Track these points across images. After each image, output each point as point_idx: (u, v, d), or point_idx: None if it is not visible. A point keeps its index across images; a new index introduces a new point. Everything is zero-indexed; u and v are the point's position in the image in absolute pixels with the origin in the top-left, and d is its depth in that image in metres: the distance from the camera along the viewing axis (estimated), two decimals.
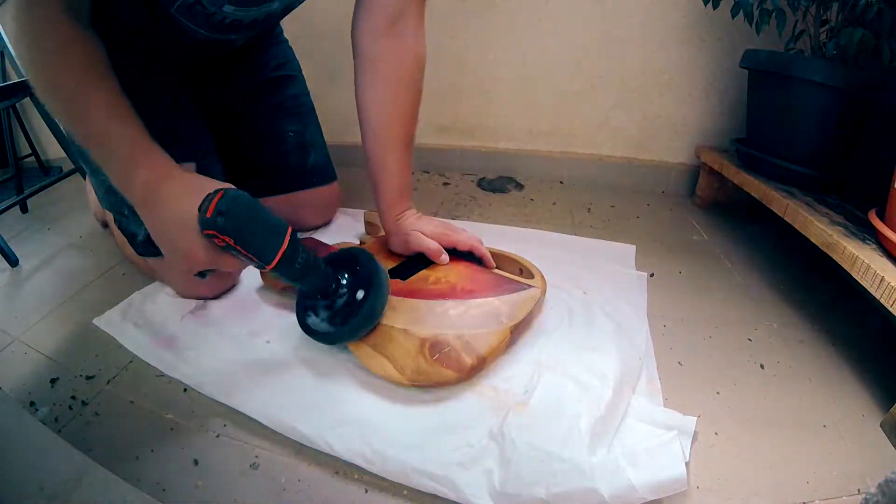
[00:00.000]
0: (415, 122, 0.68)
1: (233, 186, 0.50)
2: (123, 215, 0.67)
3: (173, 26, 0.59)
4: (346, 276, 0.57)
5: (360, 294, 0.55)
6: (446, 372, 0.52)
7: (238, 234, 0.47)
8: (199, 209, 0.47)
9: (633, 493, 0.41)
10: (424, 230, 0.68)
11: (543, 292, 0.65)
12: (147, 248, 0.67)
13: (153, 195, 0.50)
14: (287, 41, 0.88)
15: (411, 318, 0.58)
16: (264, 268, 0.49)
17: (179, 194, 0.49)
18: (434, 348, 0.53)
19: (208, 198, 0.47)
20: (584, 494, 0.41)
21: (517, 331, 0.59)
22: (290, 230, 0.50)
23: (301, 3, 0.70)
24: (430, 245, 0.67)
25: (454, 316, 0.58)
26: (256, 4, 0.59)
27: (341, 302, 0.56)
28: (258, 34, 0.79)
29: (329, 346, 0.60)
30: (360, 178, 1.09)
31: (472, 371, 0.53)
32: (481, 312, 0.59)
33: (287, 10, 0.70)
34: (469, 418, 0.50)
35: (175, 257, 0.50)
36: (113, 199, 0.67)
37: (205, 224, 0.47)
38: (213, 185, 0.50)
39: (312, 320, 0.57)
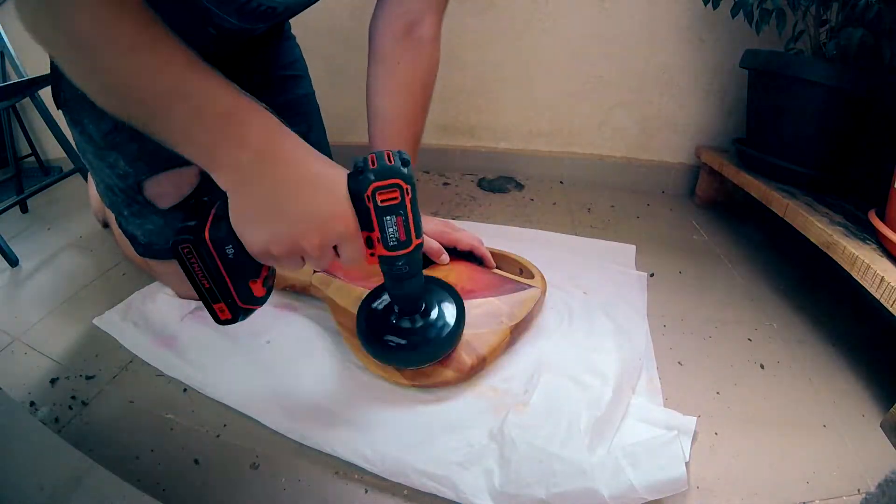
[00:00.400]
0: (423, 125, 0.68)
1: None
2: (123, 216, 0.67)
3: (200, 15, 0.56)
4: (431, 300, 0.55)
5: (441, 321, 0.53)
6: (446, 372, 0.52)
7: (413, 199, 0.41)
8: (363, 166, 0.40)
9: (633, 493, 0.41)
10: (425, 230, 0.68)
11: (543, 292, 0.65)
12: (149, 249, 0.67)
13: (275, 151, 0.40)
14: (294, 38, 0.88)
15: None
16: (402, 249, 0.43)
17: (308, 152, 0.41)
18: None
19: (369, 158, 0.41)
20: (584, 494, 0.41)
21: (517, 330, 0.59)
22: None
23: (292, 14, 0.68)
24: (431, 244, 0.67)
25: None
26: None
27: (419, 323, 0.53)
28: (273, 28, 0.77)
29: (329, 347, 0.60)
30: None
31: (471, 371, 0.53)
32: (481, 312, 0.59)
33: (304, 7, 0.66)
34: (469, 418, 0.50)
35: (304, 228, 0.40)
36: (113, 197, 0.66)
37: (396, 173, 0.40)
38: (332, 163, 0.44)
39: (390, 336, 0.53)
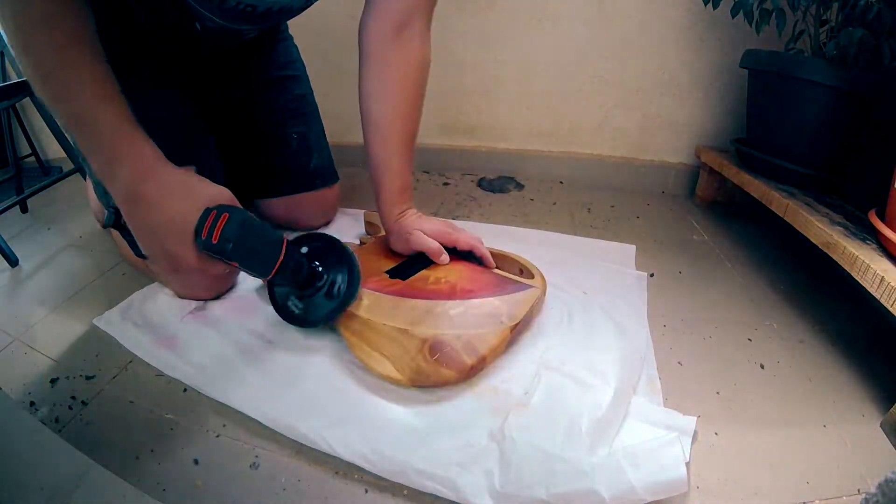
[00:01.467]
0: (417, 122, 0.69)
1: (225, 193, 0.51)
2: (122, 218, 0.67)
3: (184, 13, 0.58)
4: (323, 264, 0.59)
5: (338, 279, 0.59)
6: (446, 372, 0.52)
7: (242, 258, 0.49)
8: (198, 230, 0.48)
9: (633, 494, 0.41)
10: (425, 229, 0.68)
11: (543, 292, 0.65)
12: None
13: (137, 192, 0.48)
14: (292, 38, 0.88)
15: (411, 318, 0.57)
16: (262, 278, 0.51)
17: (168, 195, 0.48)
18: (434, 349, 0.53)
19: (206, 217, 0.48)
20: (585, 495, 0.41)
21: (517, 330, 0.59)
22: (285, 243, 0.52)
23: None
24: (431, 244, 0.67)
25: (454, 316, 0.58)
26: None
27: (321, 289, 0.59)
28: (268, 29, 0.77)
29: (329, 347, 0.60)
30: (361, 179, 1.09)
31: (472, 371, 0.53)
32: (481, 312, 0.59)
33: (305, 7, 0.68)
34: (469, 418, 0.50)
35: (161, 258, 0.50)
36: (110, 200, 0.67)
37: (209, 248, 0.48)
38: (204, 188, 0.51)
39: (292, 304, 0.60)
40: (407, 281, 0.65)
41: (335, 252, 0.60)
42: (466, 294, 0.62)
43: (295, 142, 0.84)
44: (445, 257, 0.68)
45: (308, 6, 0.69)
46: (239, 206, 0.52)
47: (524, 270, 0.69)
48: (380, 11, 0.63)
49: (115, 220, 0.55)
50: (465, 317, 0.58)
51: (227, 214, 0.48)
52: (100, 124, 0.46)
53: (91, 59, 0.46)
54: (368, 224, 0.87)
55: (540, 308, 0.65)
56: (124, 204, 0.49)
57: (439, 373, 0.52)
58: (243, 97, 0.81)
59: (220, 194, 0.51)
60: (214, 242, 0.47)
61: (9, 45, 0.48)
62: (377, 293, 0.61)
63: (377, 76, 0.65)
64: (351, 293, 0.58)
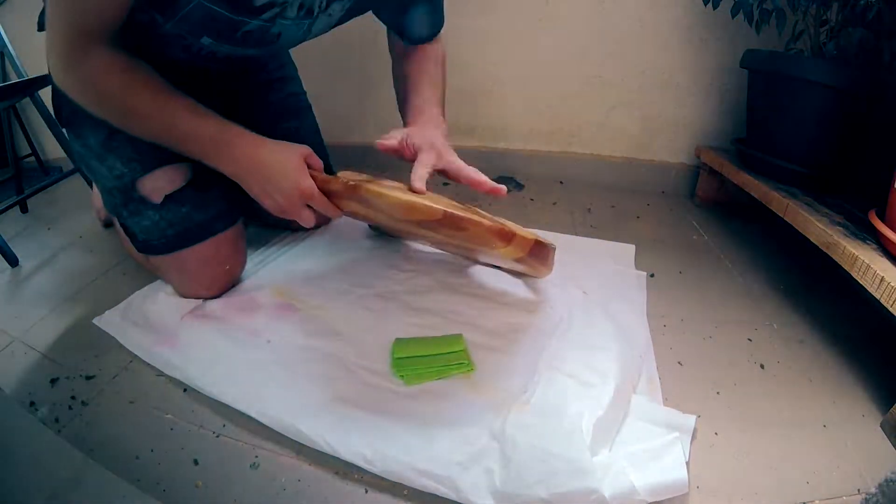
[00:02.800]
0: (443, 81, 0.79)
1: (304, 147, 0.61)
2: (123, 216, 0.67)
3: (176, 41, 0.61)
4: None
5: None
6: (477, 217, 0.54)
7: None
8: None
9: (634, 494, 0.41)
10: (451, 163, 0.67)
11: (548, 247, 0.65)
12: (146, 245, 0.67)
13: (254, 162, 0.58)
14: None
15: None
16: None
17: (277, 153, 0.59)
18: (462, 205, 0.59)
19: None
20: (586, 495, 0.41)
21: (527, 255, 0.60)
22: None
23: (291, 47, 0.74)
24: (478, 175, 0.64)
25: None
26: (231, 44, 0.61)
27: None
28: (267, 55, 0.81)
29: (329, 347, 0.60)
30: None
31: (497, 225, 0.55)
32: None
33: (271, 56, 0.78)
34: (470, 418, 0.50)
35: (289, 195, 0.58)
36: (113, 200, 0.67)
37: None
38: (287, 145, 0.60)
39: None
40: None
41: None
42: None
43: (287, 137, 0.84)
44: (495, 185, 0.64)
45: (269, 53, 0.73)
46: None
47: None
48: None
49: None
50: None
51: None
52: (203, 131, 0.57)
53: (168, 89, 0.56)
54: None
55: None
56: (245, 176, 0.59)
57: (472, 212, 0.54)
58: (238, 94, 0.81)
59: (303, 149, 0.61)
60: None
61: (100, 114, 0.57)
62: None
63: (407, 59, 0.75)
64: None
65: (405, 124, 0.71)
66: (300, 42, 0.67)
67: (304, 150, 0.60)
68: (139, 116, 0.56)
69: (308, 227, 0.63)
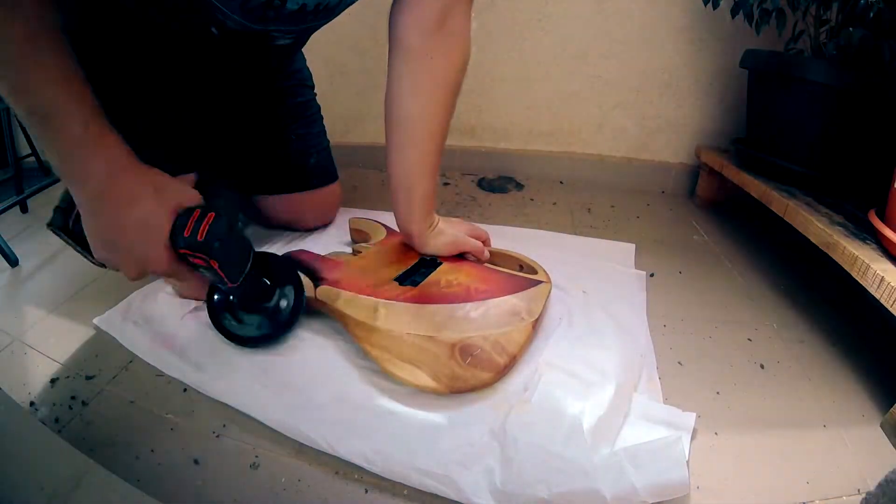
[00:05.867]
0: (448, 125, 0.64)
1: (196, 196, 0.50)
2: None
3: (203, 11, 0.54)
4: (274, 283, 0.60)
5: (283, 302, 0.60)
6: (482, 374, 0.52)
7: (225, 258, 0.48)
8: (178, 228, 0.46)
9: (635, 495, 0.41)
10: (462, 230, 0.70)
11: (550, 285, 0.65)
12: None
13: (107, 191, 0.44)
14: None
15: (434, 323, 0.57)
16: (225, 286, 0.51)
17: (141, 194, 0.46)
18: (464, 352, 0.53)
19: (190, 214, 0.47)
20: (586, 495, 0.41)
21: (537, 325, 0.60)
22: (251, 251, 0.53)
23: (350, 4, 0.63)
24: (476, 244, 0.69)
25: (477, 318, 0.58)
26: (259, 22, 0.55)
27: (266, 310, 0.60)
28: (296, 43, 0.74)
29: (329, 346, 0.60)
30: (361, 178, 1.09)
31: (504, 370, 0.53)
32: (501, 311, 0.59)
33: (345, 6, 0.62)
34: (470, 417, 0.50)
35: (127, 260, 0.47)
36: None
37: (192, 246, 0.46)
38: (178, 188, 0.49)
39: (229, 320, 0.60)
40: (419, 287, 0.64)
41: (287, 274, 0.61)
42: (482, 295, 0.61)
43: (294, 141, 0.85)
44: (487, 254, 0.70)
45: (348, 5, 0.63)
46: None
47: (524, 266, 0.69)
48: (418, 1, 0.57)
49: (61, 222, 0.54)
50: (488, 317, 0.58)
51: (213, 214, 0.47)
52: (68, 121, 0.43)
53: (58, 52, 0.43)
54: (355, 231, 0.84)
55: (549, 302, 0.65)
56: (91, 203, 0.45)
57: (476, 376, 0.51)
58: (248, 99, 0.81)
59: (193, 196, 0.49)
60: (200, 240, 0.46)
61: None
62: (393, 302, 0.60)
63: (415, 68, 0.59)
64: (291, 322, 0.59)
65: (411, 208, 0.67)
66: (333, 13, 0.61)
67: (190, 200, 0.49)
68: (6, 81, 0.41)
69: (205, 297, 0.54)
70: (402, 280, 0.65)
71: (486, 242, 0.73)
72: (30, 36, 0.41)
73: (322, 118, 0.90)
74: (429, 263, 0.69)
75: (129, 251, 0.46)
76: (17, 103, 0.42)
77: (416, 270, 0.68)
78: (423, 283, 0.65)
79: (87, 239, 0.47)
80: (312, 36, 0.75)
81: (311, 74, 0.88)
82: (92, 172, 0.44)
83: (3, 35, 0.40)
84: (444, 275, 0.66)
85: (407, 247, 0.73)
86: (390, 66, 0.61)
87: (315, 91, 0.88)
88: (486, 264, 0.70)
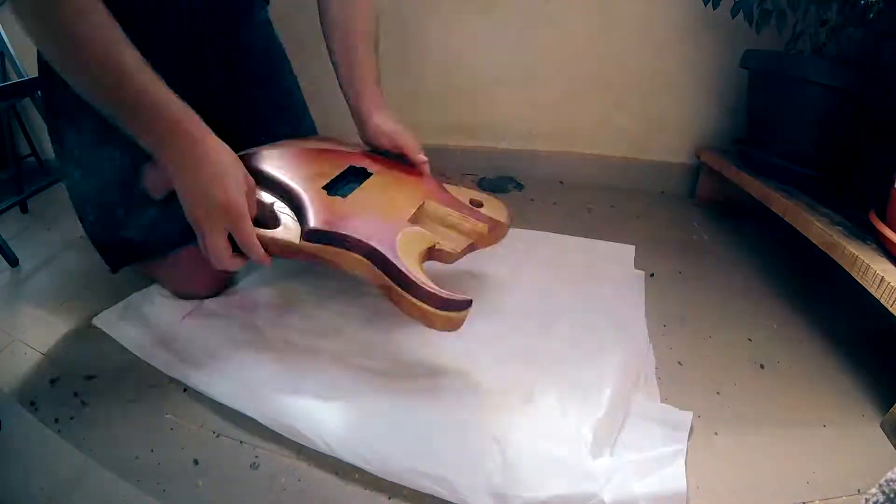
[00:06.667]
0: (377, 22, 0.71)
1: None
2: (116, 219, 0.65)
3: None
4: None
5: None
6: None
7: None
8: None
9: (634, 502, 0.41)
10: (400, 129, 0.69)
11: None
12: (143, 248, 0.66)
13: (197, 154, 0.50)
14: (270, 22, 0.83)
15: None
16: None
17: (221, 150, 0.52)
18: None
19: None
20: (586, 499, 0.41)
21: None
22: None
23: None
24: (414, 145, 0.68)
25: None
26: None
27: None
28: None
29: (329, 347, 0.60)
30: None
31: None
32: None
33: None
34: (470, 419, 0.50)
35: (215, 213, 0.50)
36: (105, 200, 0.65)
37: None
38: (234, 156, 0.54)
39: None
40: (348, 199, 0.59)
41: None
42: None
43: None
44: (423, 157, 0.69)
45: None
46: None
47: (474, 201, 0.67)
48: None
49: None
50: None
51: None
52: (156, 101, 0.49)
53: (127, 40, 0.48)
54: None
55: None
56: (186, 168, 0.51)
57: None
58: (225, 88, 0.76)
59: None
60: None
61: (44, 47, 0.49)
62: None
63: (346, 20, 0.69)
64: None
65: (355, 100, 0.71)
66: None
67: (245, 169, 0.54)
68: (83, 47, 0.46)
69: (220, 268, 0.53)
70: (329, 189, 0.60)
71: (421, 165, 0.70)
72: (110, 25, 0.47)
73: (307, 109, 0.86)
74: (356, 172, 0.64)
75: (219, 199, 0.50)
76: (107, 95, 0.49)
77: (342, 178, 0.63)
78: (351, 195, 0.60)
79: (181, 202, 0.52)
80: (310, 31, 0.74)
81: (284, 50, 0.84)
82: (177, 143, 0.50)
83: (87, 24, 0.46)
84: (375, 191, 0.62)
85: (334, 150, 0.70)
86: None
87: (293, 71, 0.85)
88: (425, 177, 0.68)
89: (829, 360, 0.62)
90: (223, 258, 0.52)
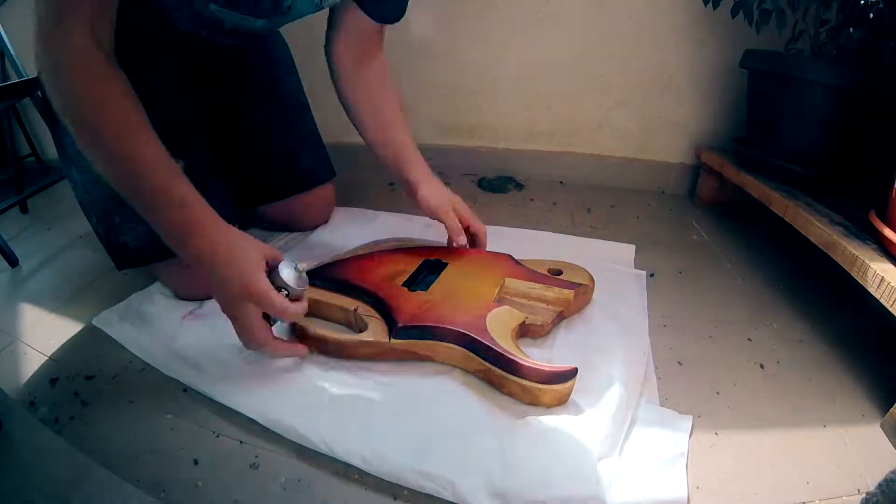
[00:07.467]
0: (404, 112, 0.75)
1: (275, 250, 0.54)
2: (114, 224, 0.65)
3: (161, 18, 0.58)
4: None
5: None
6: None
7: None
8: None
9: None
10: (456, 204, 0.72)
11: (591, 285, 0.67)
12: (141, 253, 0.66)
13: (215, 256, 0.50)
14: (280, 33, 0.86)
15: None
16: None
17: (243, 246, 0.51)
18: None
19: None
20: (587, 500, 0.41)
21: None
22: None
23: (285, 23, 0.69)
24: (455, 222, 0.70)
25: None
26: (240, 10, 0.58)
27: None
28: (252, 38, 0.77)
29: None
30: (361, 177, 1.09)
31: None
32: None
33: (271, 29, 0.73)
34: (470, 419, 0.50)
35: (236, 295, 0.50)
36: (104, 204, 0.65)
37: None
38: (248, 239, 0.53)
39: None
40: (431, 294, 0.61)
41: None
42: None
43: (285, 143, 0.83)
44: (463, 239, 0.71)
45: (277, 27, 0.70)
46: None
47: (553, 271, 0.67)
48: (347, 35, 0.71)
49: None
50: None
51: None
52: (167, 199, 0.49)
53: (146, 127, 0.49)
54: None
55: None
56: (210, 270, 0.50)
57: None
58: (232, 92, 0.80)
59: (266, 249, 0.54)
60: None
61: (67, 122, 0.48)
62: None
63: (356, 81, 0.73)
64: None
65: (401, 174, 0.74)
66: (308, 14, 0.66)
67: (267, 249, 0.53)
68: (107, 138, 0.47)
69: (261, 343, 0.52)
70: (409, 285, 0.63)
71: (480, 237, 0.72)
72: (126, 113, 0.48)
73: (310, 112, 0.88)
74: (432, 266, 0.67)
75: (236, 288, 0.49)
76: (122, 184, 0.49)
77: (419, 273, 0.66)
78: (432, 288, 0.62)
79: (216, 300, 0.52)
80: (311, 34, 0.75)
81: (291, 57, 0.87)
82: (191, 248, 0.50)
83: (103, 113, 0.47)
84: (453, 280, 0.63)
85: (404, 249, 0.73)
86: (338, 87, 0.74)
87: (299, 77, 0.87)
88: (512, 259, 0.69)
89: (829, 360, 0.62)
90: (259, 336, 0.51)
